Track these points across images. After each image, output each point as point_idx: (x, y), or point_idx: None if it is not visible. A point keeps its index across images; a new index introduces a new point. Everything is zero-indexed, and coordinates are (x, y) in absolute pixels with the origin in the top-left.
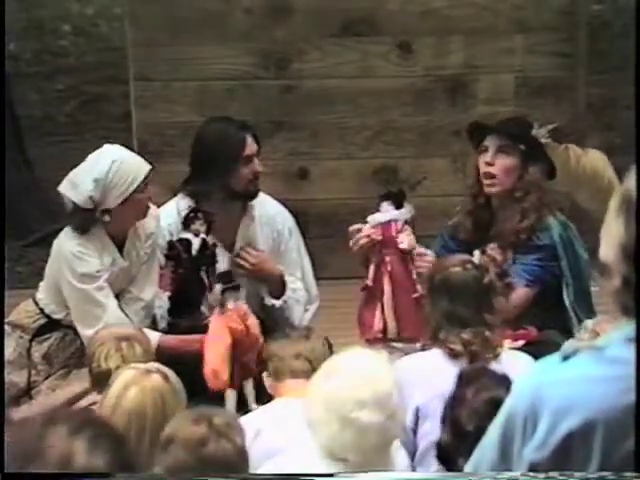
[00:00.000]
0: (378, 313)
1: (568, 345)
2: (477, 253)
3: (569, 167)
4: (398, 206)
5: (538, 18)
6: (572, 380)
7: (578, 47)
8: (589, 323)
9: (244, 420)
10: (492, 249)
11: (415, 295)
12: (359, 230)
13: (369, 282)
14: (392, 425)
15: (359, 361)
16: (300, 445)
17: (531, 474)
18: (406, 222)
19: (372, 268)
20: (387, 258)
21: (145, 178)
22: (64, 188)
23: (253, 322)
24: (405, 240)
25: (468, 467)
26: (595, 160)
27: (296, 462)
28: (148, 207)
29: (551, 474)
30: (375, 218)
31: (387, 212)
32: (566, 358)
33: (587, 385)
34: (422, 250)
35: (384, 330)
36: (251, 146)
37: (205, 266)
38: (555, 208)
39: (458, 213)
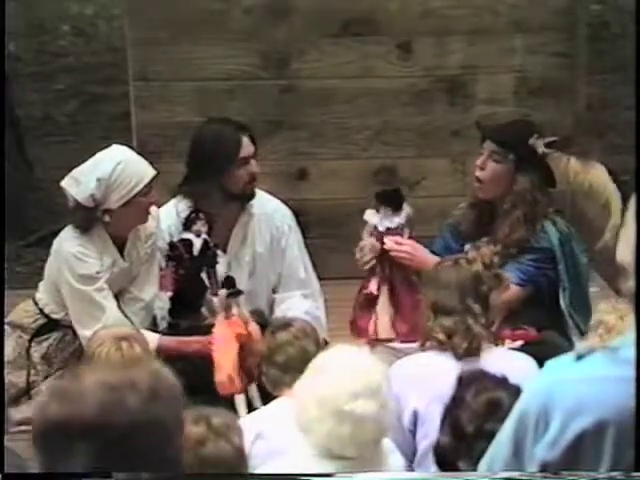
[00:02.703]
0: (374, 316)
1: (582, 344)
2: (468, 247)
3: (566, 181)
4: (396, 208)
5: (538, 18)
6: (585, 380)
7: (578, 47)
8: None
9: (244, 421)
10: (482, 242)
11: (413, 298)
12: (365, 247)
13: (374, 291)
14: (385, 415)
15: (344, 356)
16: (302, 446)
17: (527, 474)
18: (406, 223)
19: (375, 277)
20: (385, 262)
21: (149, 182)
22: (67, 184)
23: (254, 327)
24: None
25: (483, 464)
26: (595, 177)
27: (295, 464)
28: (149, 212)
29: (554, 474)
30: (374, 222)
31: (385, 218)
32: (580, 357)
33: (600, 385)
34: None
35: (378, 333)
36: (247, 148)
37: (206, 267)
38: (554, 214)
39: (461, 209)
